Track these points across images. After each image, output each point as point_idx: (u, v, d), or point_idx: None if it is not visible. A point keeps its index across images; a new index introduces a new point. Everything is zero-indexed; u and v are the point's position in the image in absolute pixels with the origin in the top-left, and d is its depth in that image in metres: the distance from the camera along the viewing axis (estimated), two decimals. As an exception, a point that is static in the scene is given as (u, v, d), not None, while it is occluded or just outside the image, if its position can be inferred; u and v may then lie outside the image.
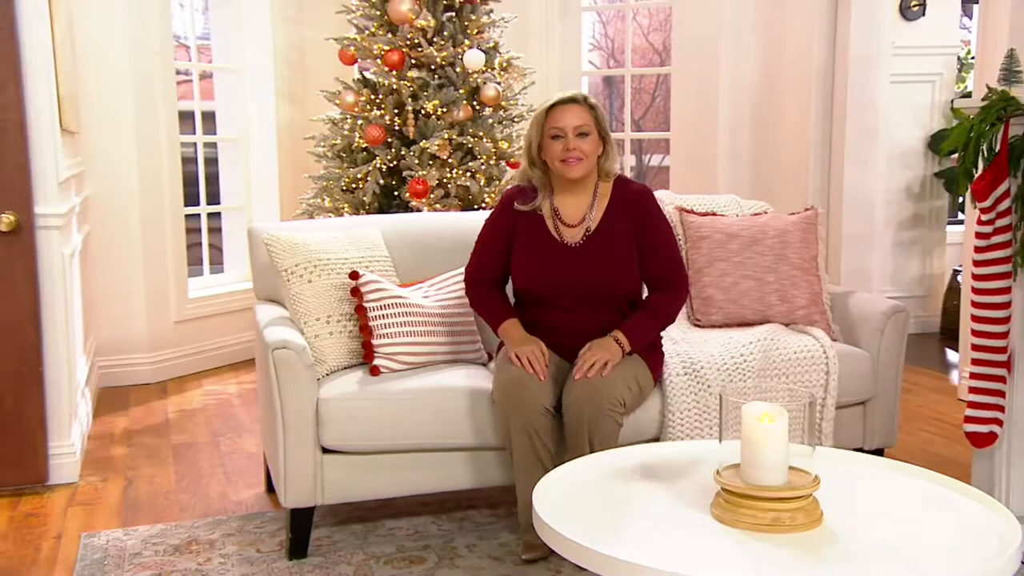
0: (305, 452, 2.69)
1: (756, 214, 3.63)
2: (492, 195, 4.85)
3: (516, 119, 5.07)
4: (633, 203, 2.88)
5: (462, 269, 3.04)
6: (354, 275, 2.91)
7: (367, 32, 4.90)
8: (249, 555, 2.79)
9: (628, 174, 6.36)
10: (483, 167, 4.84)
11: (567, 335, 2.80)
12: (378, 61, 4.84)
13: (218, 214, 5.85)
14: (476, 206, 4.81)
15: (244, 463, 3.65)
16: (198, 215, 5.59)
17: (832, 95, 5.47)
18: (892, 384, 3.28)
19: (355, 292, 2.90)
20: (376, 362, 2.86)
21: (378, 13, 4.89)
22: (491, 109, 4.92)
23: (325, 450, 2.72)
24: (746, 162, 5.75)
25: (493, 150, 4.86)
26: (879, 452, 3.32)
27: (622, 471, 2.19)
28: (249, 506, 3.21)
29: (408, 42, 4.81)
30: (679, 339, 3.26)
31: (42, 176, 3.40)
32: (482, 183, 4.86)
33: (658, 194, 3.73)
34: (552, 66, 6.05)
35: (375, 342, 2.87)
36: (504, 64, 5.02)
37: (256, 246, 3.18)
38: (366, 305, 2.89)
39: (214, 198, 5.84)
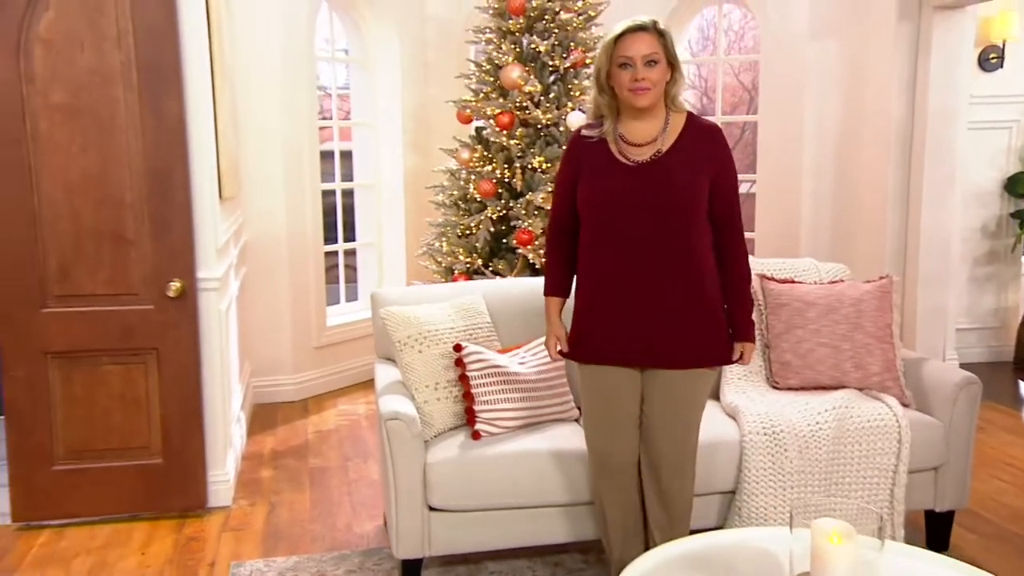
0: (414, 511, 2.69)
1: (833, 281, 3.43)
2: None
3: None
4: (708, 138, 2.45)
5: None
6: (457, 347, 2.89)
7: (482, 95, 4.87)
8: (367, 595, 2.81)
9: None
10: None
11: (633, 303, 2.42)
12: (491, 122, 4.80)
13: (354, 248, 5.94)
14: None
15: (367, 492, 3.68)
16: (336, 251, 5.70)
17: (911, 143, 5.15)
18: (964, 451, 3.05)
19: (459, 363, 2.88)
20: (477, 427, 2.83)
21: (491, 79, 4.86)
22: (590, 164, 4.82)
23: (432, 508, 2.71)
24: (827, 203, 5.49)
25: (591, 201, 4.77)
26: (950, 514, 3.11)
27: (698, 565, 2.09)
28: (369, 540, 3.23)
29: (517, 105, 4.76)
30: (758, 400, 3.12)
31: (203, 246, 3.49)
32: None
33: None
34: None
35: (476, 408, 2.84)
36: (603, 122, 4.91)
37: (377, 311, 3.18)
38: (468, 374, 2.86)
39: (350, 226, 5.93)
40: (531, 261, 4.62)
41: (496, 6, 4.86)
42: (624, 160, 2.42)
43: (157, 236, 3.40)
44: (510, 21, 4.79)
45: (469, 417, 2.85)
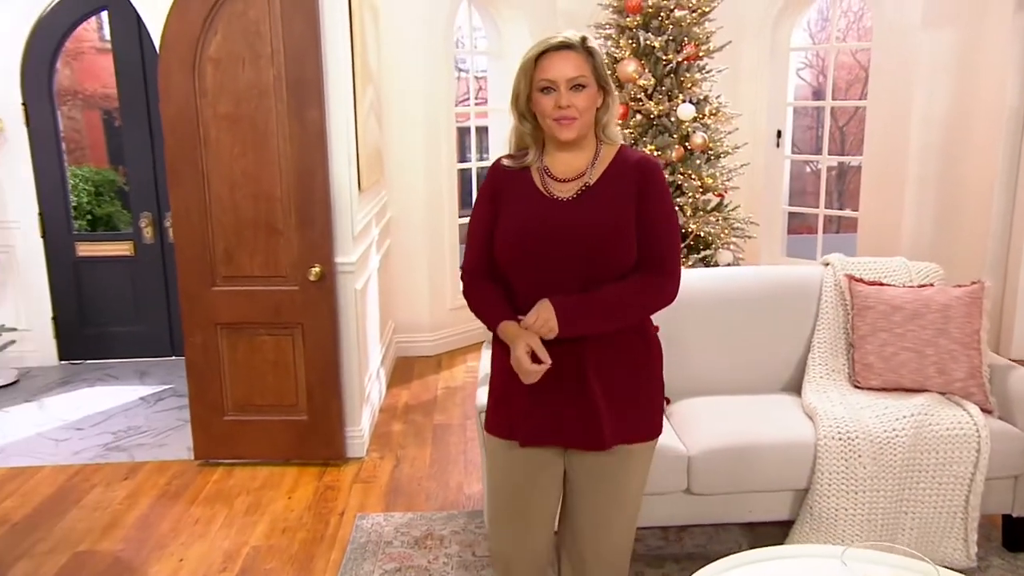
0: (505, 492, 2.63)
1: (923, 284, 3.05)
2: (696, 222, 4.53)
3: (722, 155, 4.65)
4: (637, 170, 1.83)
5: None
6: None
7: (599, 88, 4.64)
8: (466, 558, 2.81)
9: (823, 181, 5.65)
10: (690, 200, 4.52)
11: (552, 369, 1.77)
12: (607, 112, 4.58)
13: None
14: (682, 231, 4.51)
15: (479, 453, 3.68)
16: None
17: (1023, 127, 4.50)
18: (1047, 464, 2.68)
19: (552, 359, 2.74)
20: (566, 417, 2.71)
21: (610, 72, 4.57)
22: (699, 152, 4.54)
23: (521, 490, 2.65)
24: (931, 187, 4.92)
25: (699, 185, 4.52)
26: (1028, 521, 2.76)
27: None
28: (475, 502, 3.23)
29: (632, 96, 4.52)
30: (838, 402, 2.85)
31: (341, 234, 3.54)
32: (688, 213, 4.52)
33: (829, 257, 3.26)
34: (761, 101, 5.47)
35: (566, 400, 2.72)
36: (713, 111, 4.59)
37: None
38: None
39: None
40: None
41: (615, 4, 4.62)
42: (547, 195, 1.85)
43: (301, 227, 3.46)
44: (627, 18, 4.53)
45: (558, 407, 2.74)
